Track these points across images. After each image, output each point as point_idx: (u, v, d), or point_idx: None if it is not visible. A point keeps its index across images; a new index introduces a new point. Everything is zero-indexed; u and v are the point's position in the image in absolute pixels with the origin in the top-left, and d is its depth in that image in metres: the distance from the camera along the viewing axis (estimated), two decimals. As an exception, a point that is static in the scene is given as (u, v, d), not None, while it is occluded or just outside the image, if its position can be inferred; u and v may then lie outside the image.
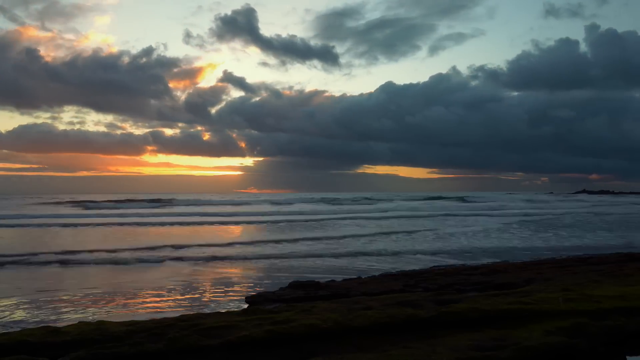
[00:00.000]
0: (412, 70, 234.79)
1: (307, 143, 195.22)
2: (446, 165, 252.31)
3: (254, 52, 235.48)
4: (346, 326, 6.59)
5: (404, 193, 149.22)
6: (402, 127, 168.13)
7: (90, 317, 9.82)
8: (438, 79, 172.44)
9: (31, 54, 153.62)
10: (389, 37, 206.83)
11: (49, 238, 26.26)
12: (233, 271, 15.92)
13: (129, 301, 11.61)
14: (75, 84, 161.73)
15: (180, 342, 5.96)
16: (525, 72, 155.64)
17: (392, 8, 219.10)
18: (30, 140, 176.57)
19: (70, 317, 9.91)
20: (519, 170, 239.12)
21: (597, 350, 5.96)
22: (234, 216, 46.39)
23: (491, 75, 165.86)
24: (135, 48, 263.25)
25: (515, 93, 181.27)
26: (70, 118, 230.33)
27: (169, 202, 76.13)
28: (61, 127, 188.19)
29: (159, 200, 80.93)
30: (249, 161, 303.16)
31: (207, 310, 9.76)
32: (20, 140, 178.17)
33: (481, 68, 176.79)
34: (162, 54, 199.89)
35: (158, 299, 11.79)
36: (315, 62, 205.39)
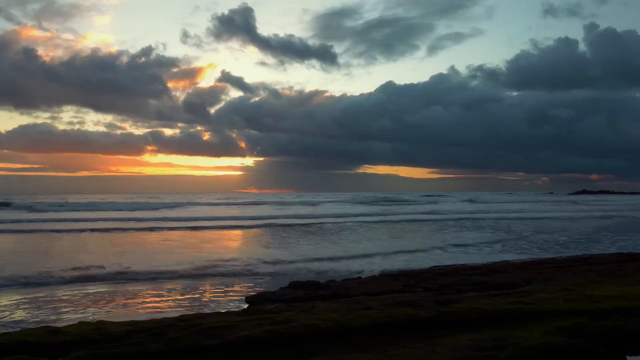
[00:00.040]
0: (410, 70, 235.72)
1: (308, 143, 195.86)
2: (447, 165, 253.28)
3: (252, 52, 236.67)
4: (346, 326, 6.59)
5: (406, 193, 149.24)
6: (403, 127, 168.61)
7: (90, 317, 9.82)
8: (438, 79, 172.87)
9: (29, 53, 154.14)
10: (388, 37, 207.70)
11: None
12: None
13: (129, 301, 11.61)
14: (73, 84, 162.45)
15: (180, 342, 5.96)
16: (525, 72, 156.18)
17: (390, 8, 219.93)
18: (31, 140, 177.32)
19: (70, 317, 9.91)
20: (520, 170, 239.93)
21: (597, 350, 5.96)
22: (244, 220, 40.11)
23: (490, 75, 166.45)
24: (134, 48, 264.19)
25: (515, 93, 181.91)
26: (70, 118, 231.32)
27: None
28: (61, 127, 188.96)
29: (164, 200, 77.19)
30: (249, 161, 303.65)
31: (207, 310, 9.76)
32: (20, 140, 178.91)
33: (480, 68, 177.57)
34: (161, 53, 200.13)
35: (158, 299, 11.79)
36: (314, 61, 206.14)
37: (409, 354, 5.60)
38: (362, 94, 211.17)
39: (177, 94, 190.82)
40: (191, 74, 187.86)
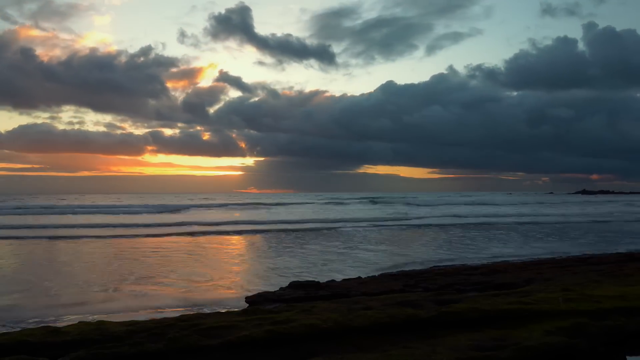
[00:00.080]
0: (409, 69, 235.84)
1: (308, 143, 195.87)
2: (447, 165, 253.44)
3: (250, 52, 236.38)
4: (346, 326, 6.59)
5: (407, 193, 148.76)
6: (402, 127, 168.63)
7: (90, 317, 9.80)
8: (438, 79, 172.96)
9: (27, 53, 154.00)
10: (386, 37, 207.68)
11: None
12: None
13: (129, 301, 11.59)
14: (72, 84, 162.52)
15: (180, 342, 5.96)
16: (523, 72, 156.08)
17: (388, 7, 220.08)
18: (31, 140, 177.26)
19: (70, 317, 9.90)
20: (520, 170, 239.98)
21: (597, 350, 5.96)
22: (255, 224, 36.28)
23: (489, 74, 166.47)
24: (133, 48, 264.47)
25: (514, 92, 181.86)
26: (69, 118, 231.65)
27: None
28: (60, 127, 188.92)
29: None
30: (249, 161, 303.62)
31: (207, 310, 9.76)
32: (20, 140, 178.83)
33: (478, 67, 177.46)
34: (160, 53, 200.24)
35: (158, 299, 11.77)
36: (312, 61, 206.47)
37: (409, 354, 5.60)
38: (362, 94, 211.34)
39: (176, 93, 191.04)
40: (190, 73, 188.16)
